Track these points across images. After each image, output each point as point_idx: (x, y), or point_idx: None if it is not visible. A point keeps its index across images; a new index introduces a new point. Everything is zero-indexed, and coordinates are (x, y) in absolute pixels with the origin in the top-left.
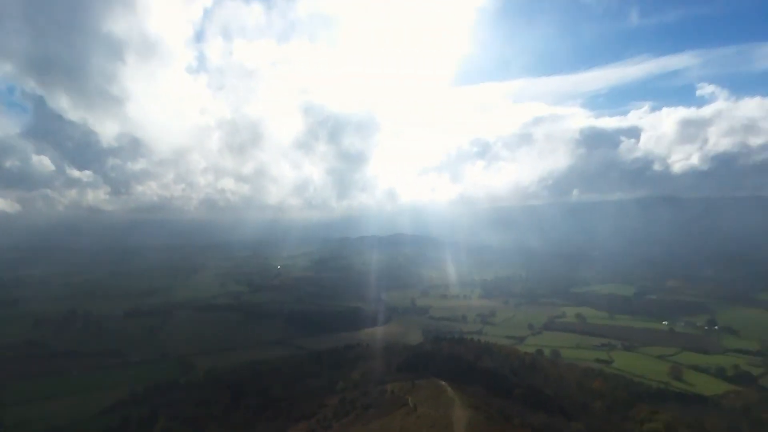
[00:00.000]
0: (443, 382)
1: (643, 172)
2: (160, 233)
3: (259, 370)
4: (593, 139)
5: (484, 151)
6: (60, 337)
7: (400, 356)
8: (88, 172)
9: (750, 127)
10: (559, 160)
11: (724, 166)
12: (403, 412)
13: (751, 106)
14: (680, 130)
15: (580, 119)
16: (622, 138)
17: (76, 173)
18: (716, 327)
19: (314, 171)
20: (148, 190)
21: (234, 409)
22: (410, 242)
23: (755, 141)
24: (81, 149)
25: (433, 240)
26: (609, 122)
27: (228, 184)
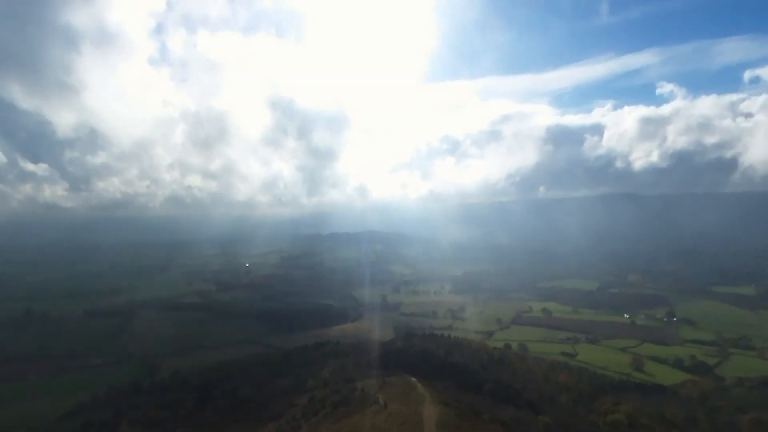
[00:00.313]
0: (414, 379)
1: (606, 169)
2: (124, 231)
3: (226, 370)
4: (559, 137)
5: (453, 149)
6: (16, 340)
7: (371, 353)
8: (43, 166)
9: (705, 125)
10: (527, 157)
11: (681, 163)
12: (374, 410)
13: (706, 105)
14: (641, 128)
15: (546, 117)
16: (587, 135)
17: (30, 166)
18: (675, 319)
19: (284, 167)
20: (111, 187)
21: (201, 411)
22: (381, 239)
23: (710, 140)
24: (35, 140)
25: (403, 237)
26: (574, 120)
27: (195, 180)
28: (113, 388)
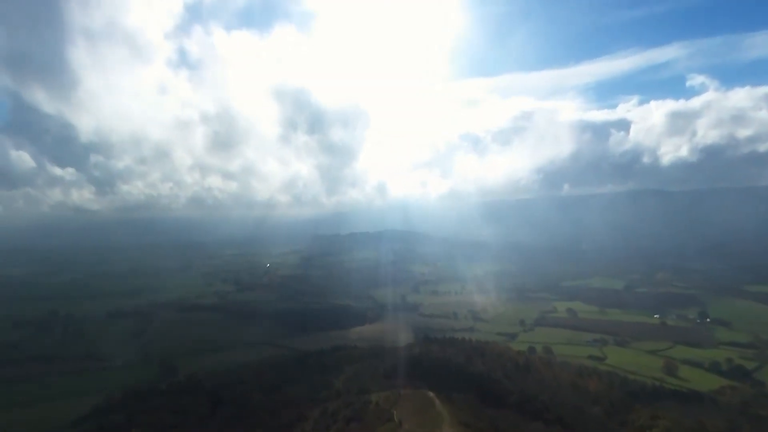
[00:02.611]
0: (431, 394)
1: (632, 164)
2: (148, 232)
3: (241, 373)
4: (583, 133)
5: (473, 146)
6: (39, 340)
7: (387, 360)
8: (70, 170)
9: (738, 118)
10: (549, 154)
11: (712, 157)
12: (388, 429)
13: (739, 96)
14: (669, 123)
15: (569, 113)
16: (612, 131)
17: (57, 171)
18: (708, 319)
19: (302, 167)
20: (135, 189)
21: (211, 417)
22: (401, 238)
23: (743, 132)
24: (61, 145)
25: (423, 236)
26: (598, 115)
27: (215, 181)
28: (130, 391)
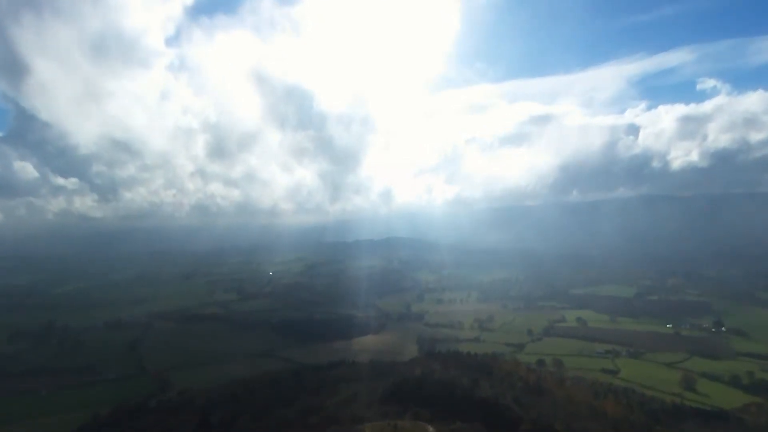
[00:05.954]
0: (431, 429)
1: (642, 169)
2: (152, 240)
3: (234, 390)
4: (591, 138)
5: (480, 152)
6: (35, 352)
7: (386, 380)
8: (73, 179)
9: (751, 121)
10: (557, 160)
11: (724, 162)
12: None
13: (752, 100)
14: (679, 127)
15: (576, 118)
16: (621, 136)
17: (60, 180)
18: (723, 329)
19: (307, 173)
20: (137, 197)
21: None
22: (406, 245)
23: (756, 136)
24: (62, 154)
25: (429, 243)
26: (606, 120)
27: (218, 189)
28: (119, 408)
